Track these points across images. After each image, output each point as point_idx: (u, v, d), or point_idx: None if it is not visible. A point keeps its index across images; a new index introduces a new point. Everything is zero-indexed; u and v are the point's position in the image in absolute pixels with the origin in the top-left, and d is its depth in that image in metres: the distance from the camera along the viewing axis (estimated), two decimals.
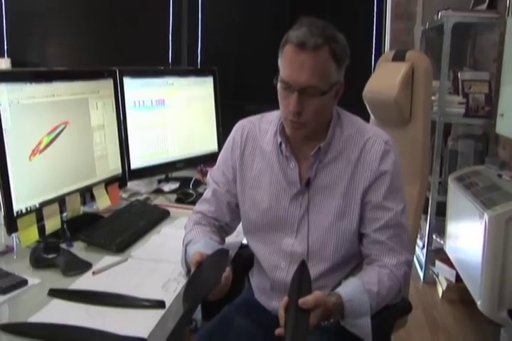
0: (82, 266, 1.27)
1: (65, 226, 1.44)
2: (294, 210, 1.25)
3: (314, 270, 1.23)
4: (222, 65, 2.55)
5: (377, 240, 1.20)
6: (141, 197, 1.87)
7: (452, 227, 2.59)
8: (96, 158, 1.60)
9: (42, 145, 1.36)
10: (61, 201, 1.43)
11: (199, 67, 3.53)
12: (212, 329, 1.28)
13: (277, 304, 1.09)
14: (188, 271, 1.22)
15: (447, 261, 2.66)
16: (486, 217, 2.02)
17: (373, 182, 1.20)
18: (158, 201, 1.88)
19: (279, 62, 1.18)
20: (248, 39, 3.63)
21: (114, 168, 1.70)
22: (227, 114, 2.22)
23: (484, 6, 2.82)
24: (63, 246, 1.37)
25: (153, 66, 2.12)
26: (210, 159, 2.02)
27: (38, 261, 1.27)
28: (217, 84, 2.14)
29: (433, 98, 2.57)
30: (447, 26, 2.69)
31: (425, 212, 2.79)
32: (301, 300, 1.02)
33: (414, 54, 1.58)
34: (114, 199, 1.67)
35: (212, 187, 1.36)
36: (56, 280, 1.21)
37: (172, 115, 1.98)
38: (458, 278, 2.56)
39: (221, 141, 2.11)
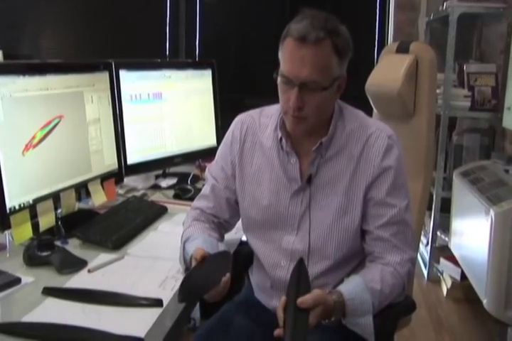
0: (77, 264, 1.26)
1: (59, 223, 1.43)
2: (295, 207, 1.23)
3: (315, 268, 1.21)
4: (221, 57, 2.53)
5: (381, 237, 1.19)
6: (137, 193, 1.86)
7: (457, 224, 2.56)
8: (91, 153, 1.58)
9: (35, 140, 1.34)
10: (55, 197, 1.41)
11: (197, 59, 3.49)
12: (211, 328, 1.27)
13: (277, 303, 1.07)
14: (187, 268, 1.21)
15: (452, 258, 2.63)
16: (492, 213, 2.00)
17: (376, 178, 1.19)
18: (156, 197, 1.87)
19: (280, 55, 1.15)
20: (247, 31, 3.59)
21: (110, 163, 1.68)
22: (226, 107, 2.20)
23: None
24: (58, 243, 1.36)
25: (150, 58, 2.09)
26: (208, 154, 1.99)
27: (32, 259, 1.26)
28: (215, 77, 2.12)
29: (438, 91, 2.53)
30: (453, 17, 2.65)
31: (429, 209, 2.74)
32: (299, 300, 1.00)
33: (418, 45, 1.57)
34: (110, 196, 1.65)
35: (211, 182, 1.35)
36: (50, 278, 1.20)
37: (169, 109, 1.95)
38: (463, 276, 2.53)
39: (220, 136, 2.09)
